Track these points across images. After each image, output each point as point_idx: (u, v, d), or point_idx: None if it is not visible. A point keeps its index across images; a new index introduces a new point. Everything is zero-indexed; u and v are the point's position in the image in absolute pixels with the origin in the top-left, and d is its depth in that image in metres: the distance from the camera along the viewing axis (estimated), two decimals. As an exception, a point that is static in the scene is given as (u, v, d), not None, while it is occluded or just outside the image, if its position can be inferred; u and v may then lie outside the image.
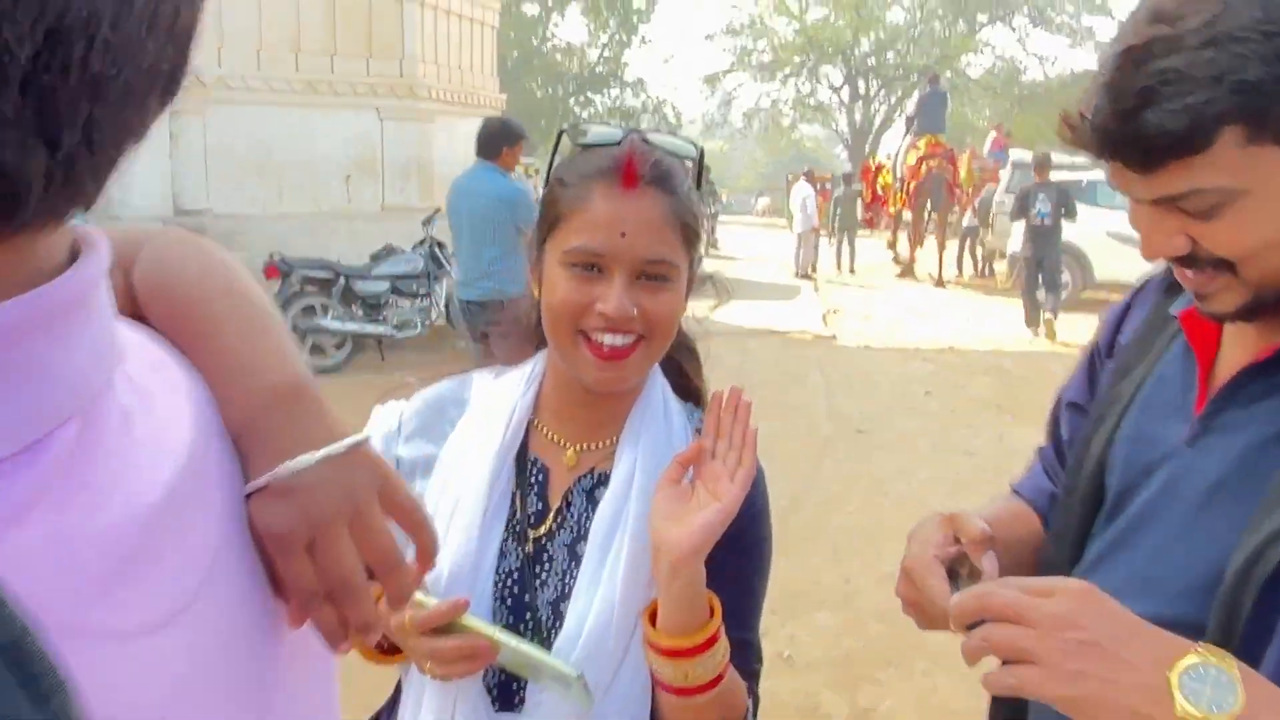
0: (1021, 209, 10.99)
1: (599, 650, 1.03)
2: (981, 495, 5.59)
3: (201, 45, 0.45)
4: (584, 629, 1.04)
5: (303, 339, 8.07)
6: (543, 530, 1.13)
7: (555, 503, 1.14)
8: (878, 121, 42.54)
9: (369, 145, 11.43)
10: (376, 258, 8.80)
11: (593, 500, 1.13)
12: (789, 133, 49.96)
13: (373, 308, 8.49)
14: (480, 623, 1.02)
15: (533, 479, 1.15)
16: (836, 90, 45.42)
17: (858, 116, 43.58)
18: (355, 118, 11.32)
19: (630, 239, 1.04)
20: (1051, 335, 10.47)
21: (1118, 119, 0.84)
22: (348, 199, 11.35)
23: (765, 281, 16.48)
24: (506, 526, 1.12)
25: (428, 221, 9.14)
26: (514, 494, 1.13)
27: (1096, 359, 1.17)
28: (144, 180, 10.01)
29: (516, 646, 1.00)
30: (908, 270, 16.72)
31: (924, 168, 15.89)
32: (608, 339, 1.04)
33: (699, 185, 1.15)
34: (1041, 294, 10.98)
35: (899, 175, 16.77)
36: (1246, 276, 0.88)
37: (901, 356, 9.75)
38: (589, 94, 43.30)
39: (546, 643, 1.07)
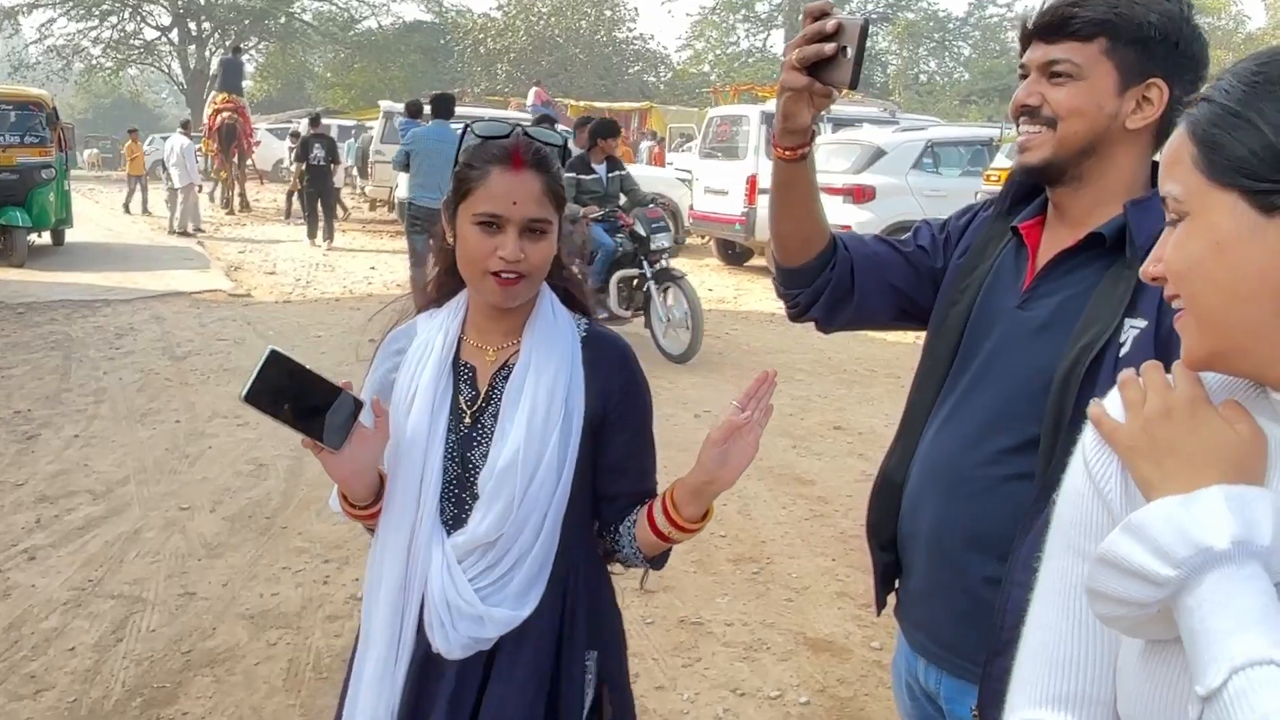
0: (303, 154, 14.81)
1: (509, 474, 1.51)
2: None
3: None
4: (499, 462, 1.52)
5: None
6: (475, 408, 1.59)
7: (483, 389, 1.60)
8: (214, 66, 40.40)
9: None
10: None
11: None
12: (114, 77, 45.03)
13: None
14: None
15: (465, 375, 1.61)
16: (165, 32, 42.24)
17: (191, 60, 41.06)
18: None
19: (519, 205, 1.50)
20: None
21: (1052, 11, 1.38)
22: None
23: (151, 243, 15.35)
24: (451, 409, 1.58)
25: None
26: (453, 387, 1.60)
27: (948, 235, 1.66)
28: None
29: None
30: (231, 207, 20.10)
31: (219, 119, 19.60)
32: (505, 272, 1.50)
33: (564, 163, 1.60)
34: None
35: (203, 124, 20.34)
36: (1060, 135, 1.37)
37: (329, 308, 10.01)
38: None
39: (478, 476, 1.54)
